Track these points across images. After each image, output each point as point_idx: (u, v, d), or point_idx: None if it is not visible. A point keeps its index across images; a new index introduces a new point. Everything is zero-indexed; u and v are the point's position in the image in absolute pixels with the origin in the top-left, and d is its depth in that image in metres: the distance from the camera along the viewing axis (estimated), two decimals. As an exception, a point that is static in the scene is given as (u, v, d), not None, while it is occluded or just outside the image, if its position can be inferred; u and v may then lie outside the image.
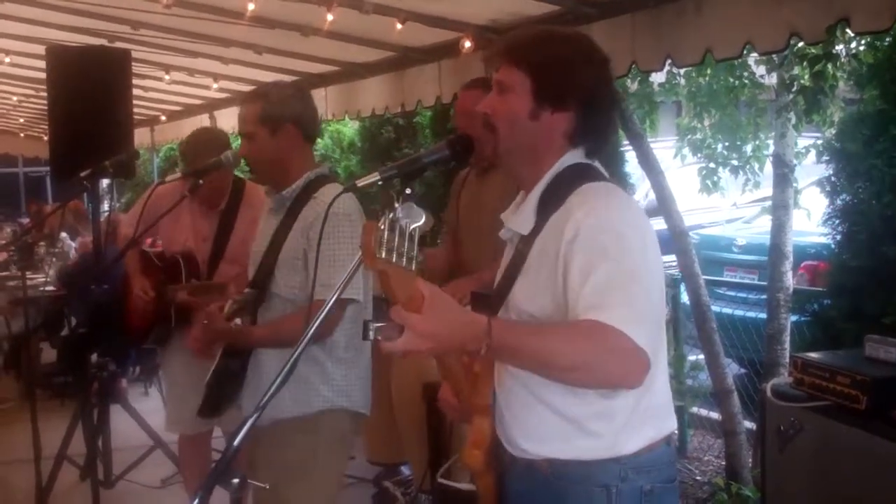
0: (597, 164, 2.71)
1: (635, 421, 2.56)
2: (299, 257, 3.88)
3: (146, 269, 5.52)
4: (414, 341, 2.16)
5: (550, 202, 2.60)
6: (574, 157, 2.66)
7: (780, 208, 6.71)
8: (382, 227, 2.13)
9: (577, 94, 2.58)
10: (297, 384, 3.83)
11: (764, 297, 6.93)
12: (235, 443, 2.38)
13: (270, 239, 4.05)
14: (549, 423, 2.57)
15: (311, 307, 3.82)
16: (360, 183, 2.58)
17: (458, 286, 4.41)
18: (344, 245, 3.76)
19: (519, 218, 2.69)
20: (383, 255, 2.11)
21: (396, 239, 2.13)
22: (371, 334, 2.19)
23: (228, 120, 10.22)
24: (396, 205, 2.24)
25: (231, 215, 5.34)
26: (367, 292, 3.98)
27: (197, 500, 2.30)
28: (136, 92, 8.07)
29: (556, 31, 2.71)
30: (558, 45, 2.63)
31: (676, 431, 7.29)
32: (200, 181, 4.58)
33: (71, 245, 11.35)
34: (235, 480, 2.40)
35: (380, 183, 2.53)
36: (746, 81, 7.67)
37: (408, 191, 2.37)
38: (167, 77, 9.62)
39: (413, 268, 2.15)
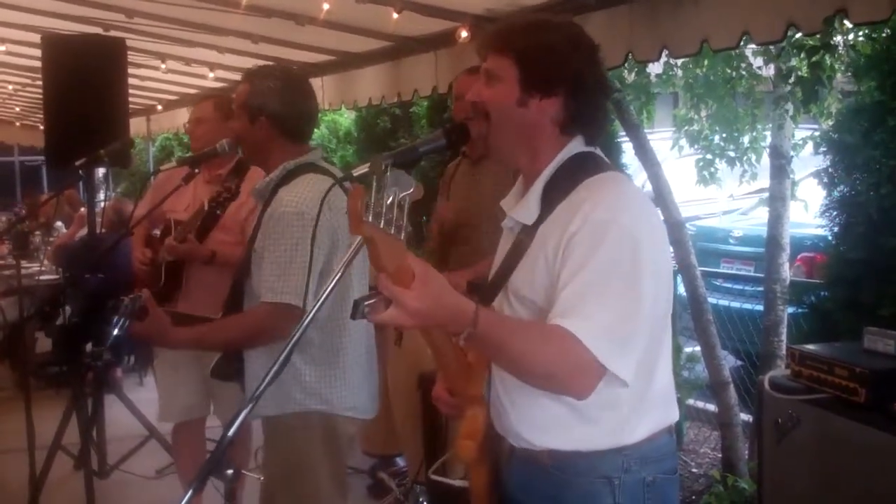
0: (598, 152, 2.70)
1: (640, 410, 2.55)
2: (260, 254, 3.75)
3: (148, 244, 5.56)
4: (401, 317, 2.13)
5: (555, 192, 2.58)
6: (576, 146, 2.64)
7: (776, 200, 6.71)
8: (369, 192, 2.08)
9: (565, 80, 2.56)
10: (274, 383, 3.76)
11: (760, 288, 6.93)
12: (229, 434, 2.37)
13: (251, 233, 3.99)
14: (553, 413, 2.55)
15: (250, 310, 3.80)
16: (356, 172, 2.55)
17: (454, 277, 4.39)
18: (290, 246, 3.62)
19: (522, 208, 2.67)
20: (370, 219, 2.07)
21: (385, 206, 2.08)
22: (360, 313, 2.15)
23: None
24: (385, 171, 2.20)
25: (232, 183, 5.35)
26: (351, 287, 3.84)
27: (191, 492, 2.29)
28: (132, 81, 8.03)
29: (543, 20, 2.68)
30: (545, 32, 2.60)
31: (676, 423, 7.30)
32: (196, 171, 4.59)
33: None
34: (229, 472, 2.38)
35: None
36: (744, 73, 7.65)
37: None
38: (163, 66, 9.59)
39: (402, 237, 2.11)
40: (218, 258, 5.04)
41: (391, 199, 2.10)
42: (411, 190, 2.15)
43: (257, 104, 3.85)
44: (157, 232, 5.64)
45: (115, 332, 3.62)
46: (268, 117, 3.85)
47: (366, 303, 2.14)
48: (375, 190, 2.08)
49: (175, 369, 5.39)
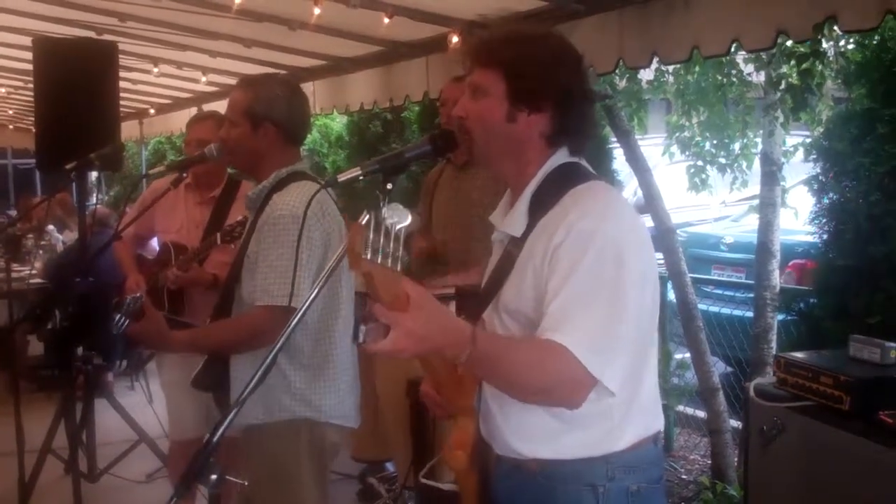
0: (583, 161, 2.70)
1: (626, 418, 2.56)
2: (253, 260, 3.76)
3: (141, 268, 5.57)
4: (400, 341, 2.12)
5: (542, 203, 2.59)
6: (562, 156, 2.65)
7: (767, 207, 6.71)
8: (367, 228, 2.10)
9: (553, 94, 2.56)
10: (261, 390, 3.73)
11: (751, 295, 6.93)
12: (214, 440, 2.37)
13: (241, 240, 4.01)
14: (542, 423, 2.56)
15: (245, 313, 3.79)
16: (342, 178, 2.57)
17: (448, 282, 4.41)
18: (286, 249, 3.61)
19: (510, 220, 2.67)
20: (368, 256, 2.09)
21: (382, 239, 2.10)
22: (361, 336, 2.17)
23: (217, 114, 10.19)
24: (382, 205, 2.22)
25: (225, 203, 5.35)
26: (341, 293, 3.88)
27: (175, 497, 2.30)
28: (124, 85, 8.04)
29: (528, 31, 2.68)
30: (531, 45, 2.60)
31: (662, 430, 7.31)
32: (184, 174, 4.59)
33: (58, 238, 11.32)
34: (213, 477, 2.39)
35: (361, 178, 2.52)
36: (735, 79, 7.66)
37: (389, 186, 2.37)
38: (156, 70, 9.58)
39: (398, 268, 2.12)
40: (220, 282, 5.05)
41: (387, 231, 2.12)
42: (407, 221, 2.16)
43: (263, 111, 3.86)
44: (152, 245, 5.65)
45: (116, 331, 3.66)
46: (274, 124, 3.87)
47: (363, 327, 2.17)
48: (373, 225, 2.09)
49: (180, 388, 5.37)
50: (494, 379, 2.47)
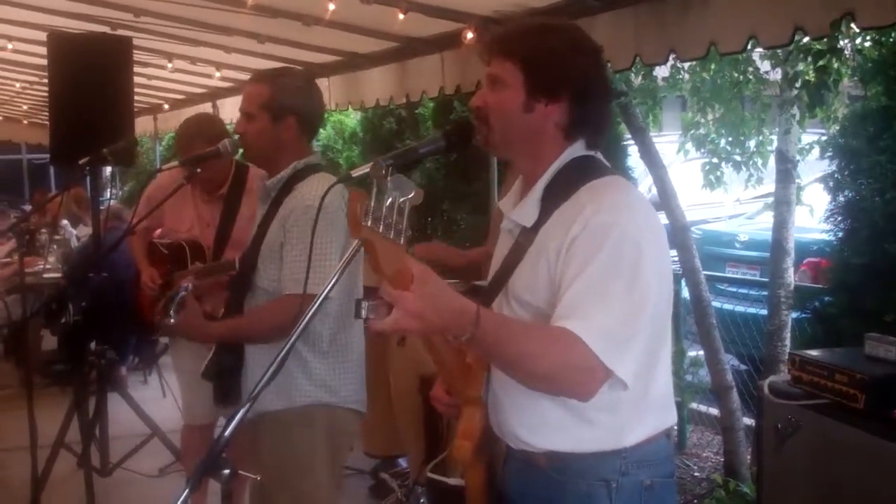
0: (599, 155, 2.70)
1: (639, 412, 2.55)
2: (276, 249, 3.84)
3: (153, 260, 5.56)
4: (402, 320, 2.13)
5: (556, 195, 2.58)
6: (577, 149, 2.64)
7: (782, 204, 6.68)
8: (369, 196, 2.10)
9: (570, 85, 2.56)
10: (280, 377, 3.77)
11: (766, 293, 6.91)
12: (226, 434, 2.37)
13: (255, 230, 4.04)
14: (552, 414, 2.55)
15: (278, 301, 3.81)
16: (355, 173, 2.57)
17: (430, 249, 4.41)
18: (317, 239, 3.63)
19: (522, 210, 2.67)
20: (369, 223, 2.08)
21: (384, 210, 2.09)
22: (363, 312, 2.16)
23: (231, 109, 10.19)
24: (386, 175, 2.21)
25: (234, 200, 5.33)
26: (358, 282, 3.98)
27: (186, 491, 2.29)
28: (139, 80, 8.04)
29: (546, 23, 2.68)
30: (549, 36, 2.60)
31: (676, 427, 7.29)
32: (198, 169, 4.58)
33: (72, 232, 11.34)
34: (226, 471, 2.38)
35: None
36: (750, 77, 7.63)
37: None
38: (170, 65, 9.60)
39: (401, 241, 2.11)
40: None
41: (391, 203, 2.11)
42: (411, 194, 2.15)
43: (286, 104, 3.91)
44: (159, 236, 5.65)
45: (171, 319, 3.81)
46: (296, 116, 3.94)
47: (366, 303, 2.15)
48: (376, 194, 2.09)
49: (193, 373, 5.38)
50: (500, 362, 2.46)
